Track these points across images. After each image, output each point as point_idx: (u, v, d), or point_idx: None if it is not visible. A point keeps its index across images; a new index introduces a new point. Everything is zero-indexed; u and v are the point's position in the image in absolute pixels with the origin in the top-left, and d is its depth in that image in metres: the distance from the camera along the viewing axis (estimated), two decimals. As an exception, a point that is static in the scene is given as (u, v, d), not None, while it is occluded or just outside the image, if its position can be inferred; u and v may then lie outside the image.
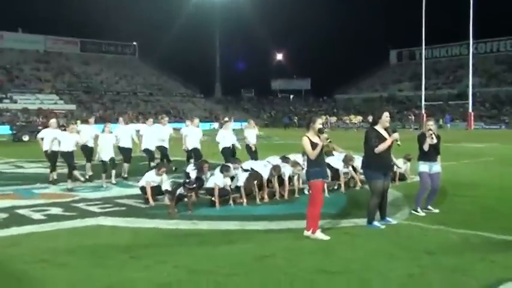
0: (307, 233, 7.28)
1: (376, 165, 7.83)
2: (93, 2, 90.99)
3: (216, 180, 9.77)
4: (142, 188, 10.26)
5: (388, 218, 8.14)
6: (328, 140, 7.34)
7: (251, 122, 15.79)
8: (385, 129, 7.94)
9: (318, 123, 7.38)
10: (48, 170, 13.52)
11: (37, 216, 9.00)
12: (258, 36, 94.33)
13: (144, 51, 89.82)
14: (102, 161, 12.83)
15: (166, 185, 9.86)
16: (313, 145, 7.22)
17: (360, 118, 58.68)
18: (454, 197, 10.49)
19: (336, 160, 11.35)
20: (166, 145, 14.82)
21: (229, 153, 13.60)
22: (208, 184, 9.93)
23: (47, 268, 5.97)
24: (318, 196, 7.31)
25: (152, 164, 13.58)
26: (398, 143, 7.91)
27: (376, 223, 7.92)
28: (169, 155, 14.87)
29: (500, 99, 64.88)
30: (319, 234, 7.21)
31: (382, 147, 7.74)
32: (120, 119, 14.97)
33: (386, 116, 7.99)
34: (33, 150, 20.54)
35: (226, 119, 15.44)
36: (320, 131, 7.31)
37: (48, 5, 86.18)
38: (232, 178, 10.14)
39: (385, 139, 7.81)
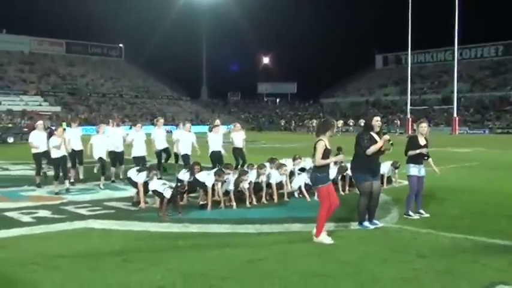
0: (317, 239, 7.24)
1: (365, 168, 7.98)
2: (79, 3, 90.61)
3: (208, 179, 9.75)
4: (131, 180, 10.28)
5: (375, 221, 8.20)
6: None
7: (237, 125, 15.70)
8: (377, 133, 8.04)
9: (336, 126, 7.49)
10: (33, 172, 13.36)
11: (26, 219, 8.90)
12: (244, 39, 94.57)
13: (130, 54, 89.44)
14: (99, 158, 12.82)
15: (154, 185, 9.59)
16: (327, 151, 7.25)
17: (341, 122, 59.06)
18: (442, 201, 10.58)
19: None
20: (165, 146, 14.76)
21: (218, 158, 13.55)
22: (201, 178, 9.92)
23: (38, 271, 5.91)
24: (328, 200, 7.34)
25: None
26: (391, 142, 8.02)
27: (366, 223, 8.06)
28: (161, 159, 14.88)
29: (484, 105, 65.60)
30: (325, 238, 7.25)
31: (373, 148, 7.87)
32: (110, 121, 14.76)
33: (376, 120, 8.08)
34: (19, 152, 20.37)
35: (218, 121, 15.19)
36: (339, 149, 7.49)
37: (33, 6, 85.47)
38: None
39: (376, 142, 7.92)
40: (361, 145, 7.94)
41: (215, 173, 9.83)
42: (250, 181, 10.26)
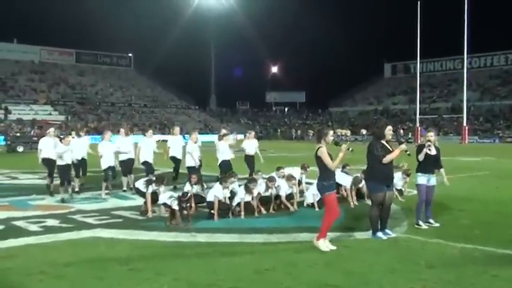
0: (316, 242, 7.29)
1: (379, 177, 7.90)
2: (89, 13, 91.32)
3: (215, 192, 9.73)
4: (139, 190, 10.25)
5: (387, 230, 8.14)
6: (351, 150, 7.39)
7: (251, 133, 15.76)
8: (387, 142, 8.01)
9: (331, 135, 7.45)
10: (43, 181, 13.39)
11: (34, 228, 8.91)
12: (253, 49, 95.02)
13: (139, 63, 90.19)
14: (104, 170, 12.77)
15: (163, 198, 9.56)
16: (330, 157, 7.29)
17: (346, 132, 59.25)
18: (451, 210, 10.49)
19: (339, 175, 11.21)
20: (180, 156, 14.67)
21: (227, 167, 13.43)
22: (208, 198, 9.89)
23: (45, 280, 5.90)
24: (335, 208, 7.39)
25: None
26: (408, 152, 7.99)
27: (379, 234, 7.97)
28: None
29: (494, 113, 65.28)
30: (324, 244, 7.24)
31: (390, 157, 7.82)
32: (121, 130, 14.73)
33: (389, 129, 8.07)
34: (28, 161, 20.46)
35: (224, 131, 15.11)
36: (337, 144, 7.44)
37: (43, 16, 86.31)
38: (231, 192, 10.12)
39: (389, 150, 7.88)
40: (375, 154, 7.90)
41: (220, 182, 9.81)
42: (259, 192, 10.21)
